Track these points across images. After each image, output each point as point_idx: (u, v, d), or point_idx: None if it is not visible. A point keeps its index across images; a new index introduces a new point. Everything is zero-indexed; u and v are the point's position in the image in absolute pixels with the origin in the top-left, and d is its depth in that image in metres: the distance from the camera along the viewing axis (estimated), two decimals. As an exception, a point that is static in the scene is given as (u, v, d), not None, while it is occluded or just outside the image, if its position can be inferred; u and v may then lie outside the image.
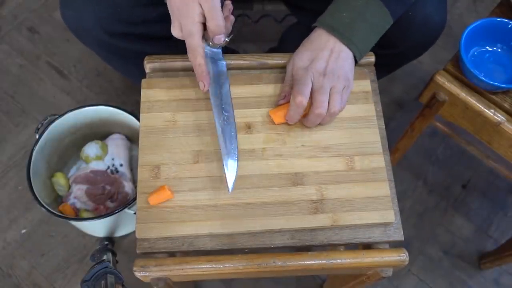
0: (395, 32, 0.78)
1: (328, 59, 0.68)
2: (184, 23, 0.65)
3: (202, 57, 0.66)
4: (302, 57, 0.70)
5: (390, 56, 0.86)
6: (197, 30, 0.65)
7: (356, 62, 0.71)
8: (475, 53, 0.84)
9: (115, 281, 0.95)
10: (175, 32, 0.67)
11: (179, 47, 0.70)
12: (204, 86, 0.67)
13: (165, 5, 0.68)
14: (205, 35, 0.68)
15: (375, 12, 0.69)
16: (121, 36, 0.83)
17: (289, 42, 0.64)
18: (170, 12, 0.67)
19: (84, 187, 1.12)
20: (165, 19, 0.68)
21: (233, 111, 0.68)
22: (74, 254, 1.20)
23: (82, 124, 1.15)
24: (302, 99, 0.66)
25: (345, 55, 0.69)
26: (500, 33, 0.82)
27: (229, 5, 0.71)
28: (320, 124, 0.70)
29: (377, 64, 0.76)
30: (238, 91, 0.72)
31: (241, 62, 0.75)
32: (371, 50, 0.74)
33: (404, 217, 1.24)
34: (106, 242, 1.15)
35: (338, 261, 0.61)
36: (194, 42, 0.66)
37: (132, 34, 0.84)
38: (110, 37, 0.82)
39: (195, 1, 0.64)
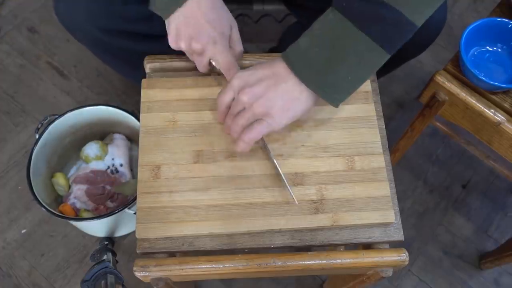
0: None
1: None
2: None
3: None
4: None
5: None
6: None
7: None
8: (475, 53, 0.84)
9: (115, 281, 0.95)
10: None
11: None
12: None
13: None
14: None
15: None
16: (114, 33, 0.81)
17: (288, 42, 0.63)
18: None
19: (84, 187, 1.12)
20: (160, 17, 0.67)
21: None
22: (74, 254, 1.20)
23: (82, 124, 1.15)
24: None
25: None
26: (500, 33, 0.82)
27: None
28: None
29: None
30: (238, 91, 0.72)
31: (241, 62, 0.74)
32: None
33: (404, 217, 1.24)
34: (106, 242, 1.15)
35: (338, 261, 0.61)
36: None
37: (125, 31, 0.82)
38: (103, 33, 0.80)
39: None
